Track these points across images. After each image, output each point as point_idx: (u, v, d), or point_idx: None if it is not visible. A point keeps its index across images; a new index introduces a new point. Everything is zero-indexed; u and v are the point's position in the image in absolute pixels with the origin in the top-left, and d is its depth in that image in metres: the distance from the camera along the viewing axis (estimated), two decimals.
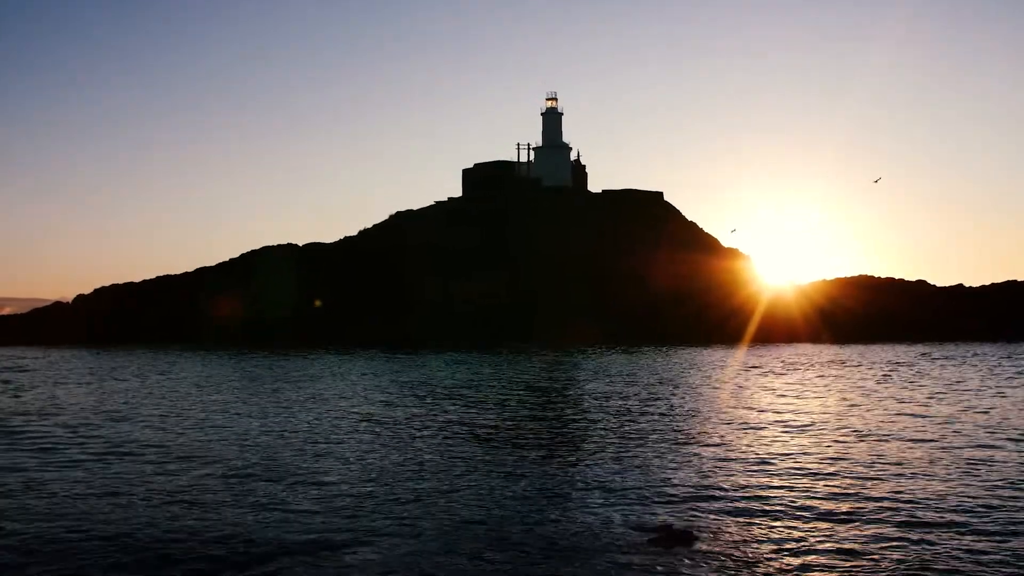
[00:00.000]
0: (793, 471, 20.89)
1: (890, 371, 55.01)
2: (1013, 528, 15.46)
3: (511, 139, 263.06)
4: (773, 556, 14.04)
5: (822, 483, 19.47)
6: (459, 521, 16.38)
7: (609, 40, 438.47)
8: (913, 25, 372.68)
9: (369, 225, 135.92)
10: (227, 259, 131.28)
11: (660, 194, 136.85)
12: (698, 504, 17.50)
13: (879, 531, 15.38)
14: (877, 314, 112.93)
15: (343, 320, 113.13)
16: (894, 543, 14.62)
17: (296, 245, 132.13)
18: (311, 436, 27.55)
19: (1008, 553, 14.04)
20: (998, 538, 14.86)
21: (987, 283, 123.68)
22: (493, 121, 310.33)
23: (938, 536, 14.99)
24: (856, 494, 18.27)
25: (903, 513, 16.58)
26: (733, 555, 14.09)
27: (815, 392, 41.48)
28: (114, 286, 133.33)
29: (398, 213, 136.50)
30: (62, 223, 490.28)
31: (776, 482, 19.64)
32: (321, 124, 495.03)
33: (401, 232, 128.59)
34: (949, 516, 16.31)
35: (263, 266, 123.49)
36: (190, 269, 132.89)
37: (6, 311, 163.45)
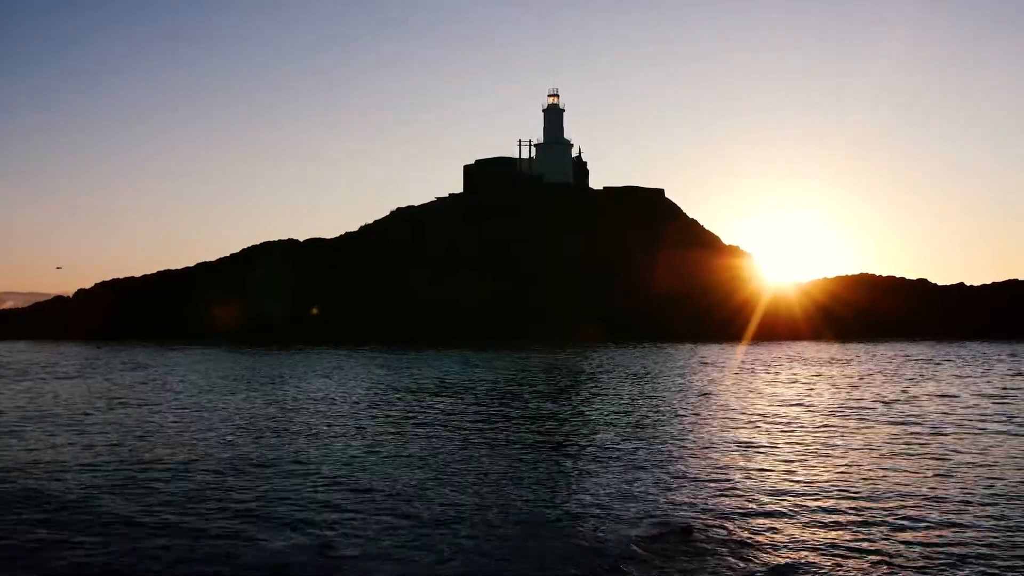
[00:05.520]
0: (793, 470, 20.81)
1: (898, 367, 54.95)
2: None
3: (513, 135, 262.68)
4: (773, 555, 13.96)
5: (822, 482, 19.39)
6: (457, 518, 16.33)
7: (611, 37, 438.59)
8: (917, 24, 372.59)
9: (370, 221, 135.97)
10: (227, 254, 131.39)
11: (661, 191, 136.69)
12: (698, 503, 17.42)
13: (878, 528, 15.30)
14: (878, 312, 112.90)
15: (343, 317, 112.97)
16: (894, 540, 14.55)
17: (297, 241, 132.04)
18: (311, 429, 27.51)
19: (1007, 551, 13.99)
20: (998, 534, 14.82)
21: (988, 282, 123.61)
22: (495, 117, 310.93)
23: (937, 533, 14.92)
24: (856, 493, 18.19)
25: (905, 510, 16.52)
26: (733, 554, 14.01)
27: (815, 389, 41.38)
28: (115, 281, 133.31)
29: (399, 209, 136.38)
30: (63, 218, 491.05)
31: (776, 481, 19.56)
32: (323, 120, 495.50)
33: (402, 228, 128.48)
34: (950, 515, 16.25)
35: (263, 262, 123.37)
36: (190, 264, 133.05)
37: (7, 305, 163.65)
